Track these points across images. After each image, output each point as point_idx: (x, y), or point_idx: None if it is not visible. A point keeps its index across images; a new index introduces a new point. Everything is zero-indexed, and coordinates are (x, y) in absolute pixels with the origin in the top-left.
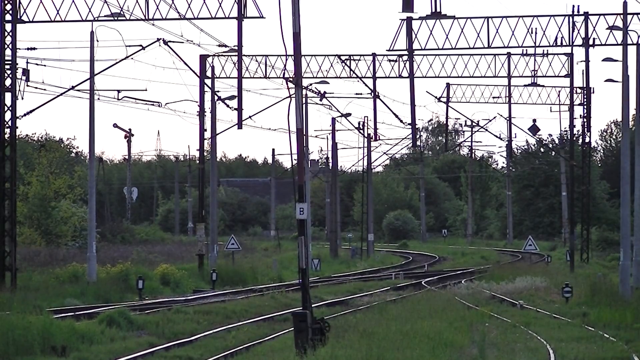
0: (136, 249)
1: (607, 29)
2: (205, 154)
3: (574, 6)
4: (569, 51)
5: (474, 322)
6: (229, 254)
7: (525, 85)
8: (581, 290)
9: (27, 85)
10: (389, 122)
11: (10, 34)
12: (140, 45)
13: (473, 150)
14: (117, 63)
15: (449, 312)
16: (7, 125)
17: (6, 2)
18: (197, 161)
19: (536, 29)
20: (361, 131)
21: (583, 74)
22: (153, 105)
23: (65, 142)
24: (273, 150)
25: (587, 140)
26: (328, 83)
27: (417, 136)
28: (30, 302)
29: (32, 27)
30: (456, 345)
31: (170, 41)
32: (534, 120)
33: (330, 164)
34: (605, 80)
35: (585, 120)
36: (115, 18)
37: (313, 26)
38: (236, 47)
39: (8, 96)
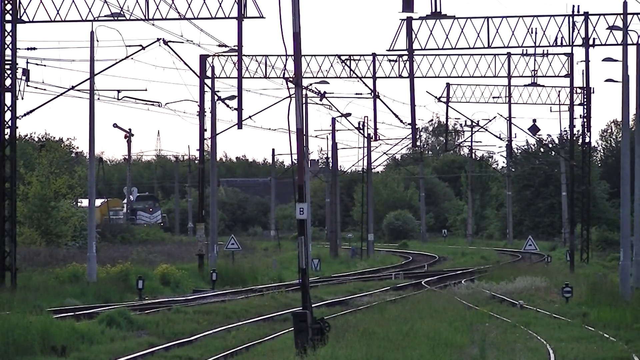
0: (136, 249)
1: (607, 29)
2: (205, 154)
3: (574, 6)
4: (569, 51)
5: (474, 322)
6: (229, 254)
7: (525, 85)
8: (581, 290)
9: (27, 85)
10: (389, 122)
11: (10, 34)
12: (140, 45)
13: (473, 150)
14: (117, 63)
15: (449, 312)
16: (7, 125)
17: (6, 2)
18: (197, 161)
19: (536, 29)
20: (361, 131)
21: (583, 74)
22: (153, 105)
23: (65, 142)
24: (273, 150)
25: (587, 140)
26: (328, 83)
27: (417, 136)
28: (30, 302)
29: (32, 27)
30: (456, 345)
31: (170, 41)
32: (534, 120)
33: (330, 164)
34: (605, 80)
35: (585, 120)
36: (115, 18)
37: (313, 26)
38: (236, 47)
39: (8, 96)
